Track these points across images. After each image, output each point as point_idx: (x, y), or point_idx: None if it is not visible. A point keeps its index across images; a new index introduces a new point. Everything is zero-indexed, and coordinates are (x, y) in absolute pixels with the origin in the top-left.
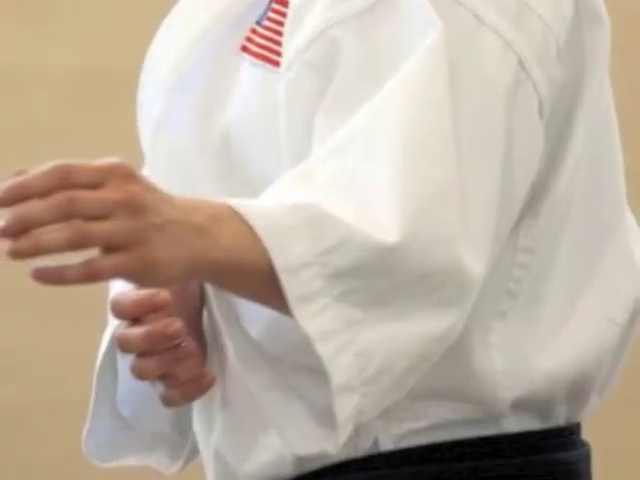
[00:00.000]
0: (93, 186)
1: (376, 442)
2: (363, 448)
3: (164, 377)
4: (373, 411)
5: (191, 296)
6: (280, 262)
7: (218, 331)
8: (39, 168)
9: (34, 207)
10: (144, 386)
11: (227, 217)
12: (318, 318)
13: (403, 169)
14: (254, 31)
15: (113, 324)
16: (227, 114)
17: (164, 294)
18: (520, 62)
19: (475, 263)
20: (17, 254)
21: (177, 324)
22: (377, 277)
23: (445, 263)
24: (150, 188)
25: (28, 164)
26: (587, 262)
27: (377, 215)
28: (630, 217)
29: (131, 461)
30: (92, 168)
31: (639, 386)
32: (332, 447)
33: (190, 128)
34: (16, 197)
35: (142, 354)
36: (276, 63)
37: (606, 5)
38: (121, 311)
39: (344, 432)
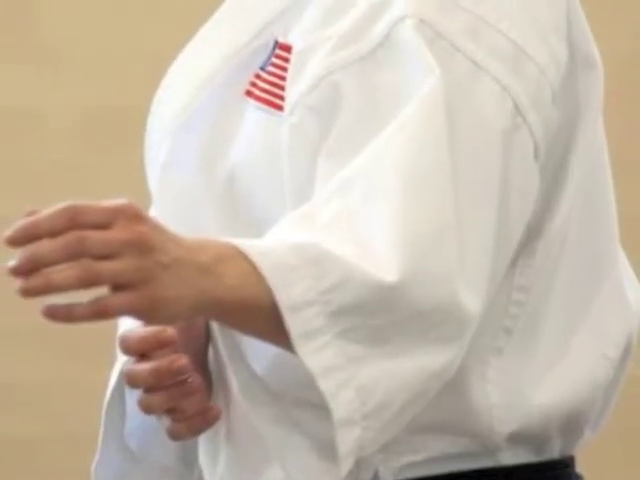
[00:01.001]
0: (102, 226)
1: (376, 474)
2: None
3: (171, 411)
4: (373, 444)
5: (197, 333)
6: (283, 300)
7: (223, 367)
8: (49, 209)
9: (44, 247)
10: (151, 420)
11: (232, 256)
12: (320, 355)
13: (402, 210)
14: (258, 76)
15: (121, 360)
16: (232, 157)
17: (170, 331)
18: (516, 106)
19: (472, 300)
20: (28, 292)
21: (183, 360)
22: (377, 315)
23: (443, 301)
24: (157, 228)
25: (39, 204)
26: (581, 299)
27: (377, 254)
28: (622, 256)
29: None
30: (101, 209)
31: (633, 419)
32: None
33: (196, 170)
34: (27, 237)
35: (149, 389)
36: (279, 107)
37: (598, 48)
38: (129, 347)
39: (345, 465)
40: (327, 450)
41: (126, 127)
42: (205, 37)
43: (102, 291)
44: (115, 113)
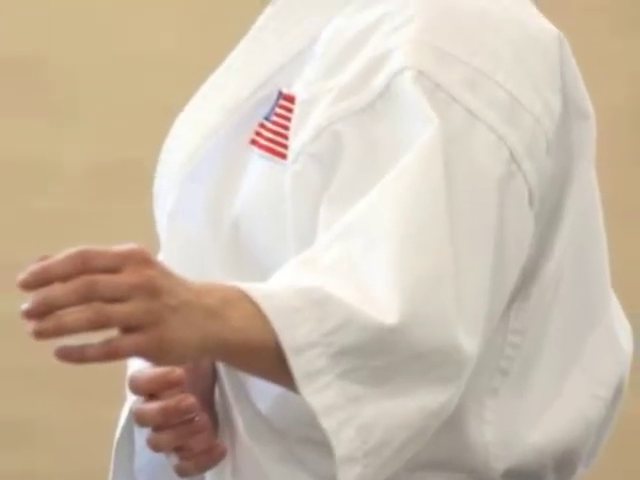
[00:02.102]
0: (112, 270)
1: None
2: None
3: (178, 449)
4: None
5: (203, 373)
6: (287, 341)
7: (229, 406)
8: (61, 254)
9: (57, 290)
10: (160, 457)
11: (237, 299)
12: (322, 394)
13: (401, 255)
14: (262, 126)
15: (131, 399)
16: (237, 204)
17: (178, 371)
18: (512, 155)
19: (469, 342)
20: (41, 334)
21: (190, 399)
22: (378, 356)
23: (441, 342)
24: (165, 272)
25: (51, 251)
26: (574, 342)
27: (377, 297)
28: (614, 299)
29: None
30: (111, 253)
31: (625, 456)
32: None
33: (202, 217)
34: (40, 281)
35: (158, 427)
36: (283, 156)
37: (591, 99)
38: (138, 387)
39: None
40: None
41: (134, 177)
42: (210, 89)
43: (112, 333)
44: (124, 164)
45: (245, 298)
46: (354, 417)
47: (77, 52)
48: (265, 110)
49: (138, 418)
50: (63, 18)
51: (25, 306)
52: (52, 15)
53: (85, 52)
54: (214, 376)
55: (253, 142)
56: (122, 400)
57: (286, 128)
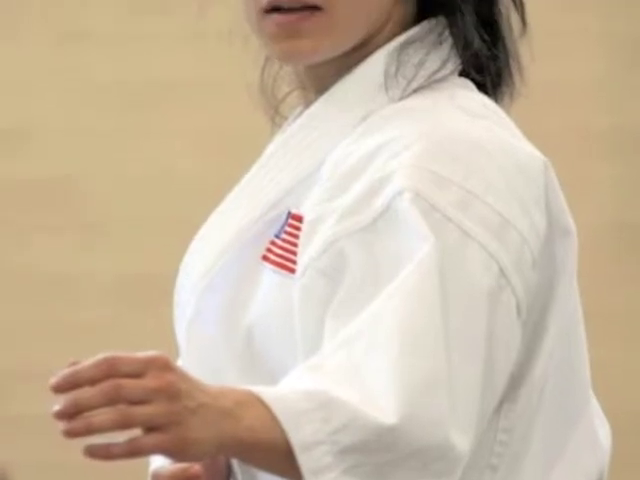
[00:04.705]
0: (136, 375)
1: None
2: None
3: None
4: None
5: (219, 468)
6: (295, 440)
7: None
8: (90, 360)
9: (85, 393)
10: None
11: (250, 402)
12: None
13: (399, 361)
14: (273, 243)
15: None
16: (250, 315)
17: (196, 467)
18: (501, 270)
19: (462, 441)
20: (71, 434)
21: None
22: (378, 453)
23: (436, 441)
24: (184, 377)
25: (80, 356)
26: (558, 439)
27: (378, 400)
28: (594, 399)
29: None
30: (135, 359)
31: None
32: None
33: (218, 326)
34: (70, 384)
35: None
36: (292, 270)
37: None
38: None
39: None
40: None
41: (157, 289)
42: (226, 209)
43: (136, 432)
44: (148, 277)
45: (257, 400)
46: None
47: (105, 173)
48: (276, 229)
49: None
50: (93, 142)
51: (57, 408)
52: (82, 140)
53: (112, 173)
54: (229, 470)
55: (265, 258)
56: None
57: (295, 245)
